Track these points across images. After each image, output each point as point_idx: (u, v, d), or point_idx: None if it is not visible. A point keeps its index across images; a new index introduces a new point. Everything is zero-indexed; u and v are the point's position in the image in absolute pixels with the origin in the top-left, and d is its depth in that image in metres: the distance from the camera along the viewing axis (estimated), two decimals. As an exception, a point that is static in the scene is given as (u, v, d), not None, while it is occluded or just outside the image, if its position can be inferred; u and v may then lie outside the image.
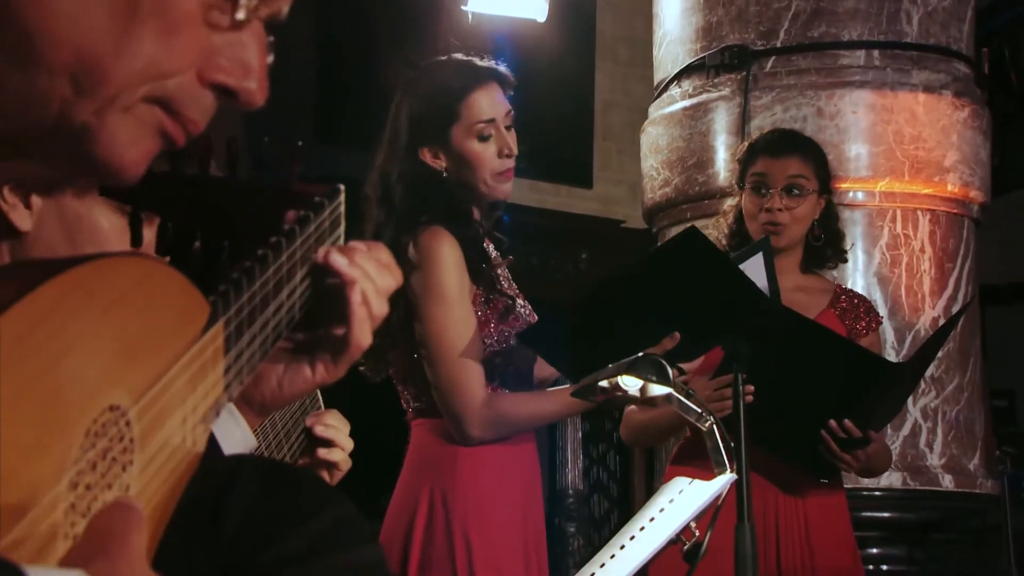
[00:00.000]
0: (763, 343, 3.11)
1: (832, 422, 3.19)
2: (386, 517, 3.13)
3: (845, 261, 3.77)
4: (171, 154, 1.27)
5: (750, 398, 3.11)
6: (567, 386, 3.08)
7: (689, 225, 3.33)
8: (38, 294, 0.80)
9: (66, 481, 0.84)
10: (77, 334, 0.85)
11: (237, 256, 1.27)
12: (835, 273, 4.77)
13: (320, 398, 2.33)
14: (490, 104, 3.12)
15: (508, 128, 3.15)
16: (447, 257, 3.00)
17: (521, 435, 3.13)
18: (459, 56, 3.22)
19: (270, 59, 0.99)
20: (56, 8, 0.87)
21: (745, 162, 3.58)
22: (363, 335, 1.31)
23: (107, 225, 1.57)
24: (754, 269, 3.15)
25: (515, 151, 3.14)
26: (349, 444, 2.19)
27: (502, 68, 3.21)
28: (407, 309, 3.05)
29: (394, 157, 3.13)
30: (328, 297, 1.30)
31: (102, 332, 0.88)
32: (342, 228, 1.36)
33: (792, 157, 3.53)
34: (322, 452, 2.14)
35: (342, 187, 1.37)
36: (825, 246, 3.60)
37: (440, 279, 3.01)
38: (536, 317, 3.18)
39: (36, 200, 1.58)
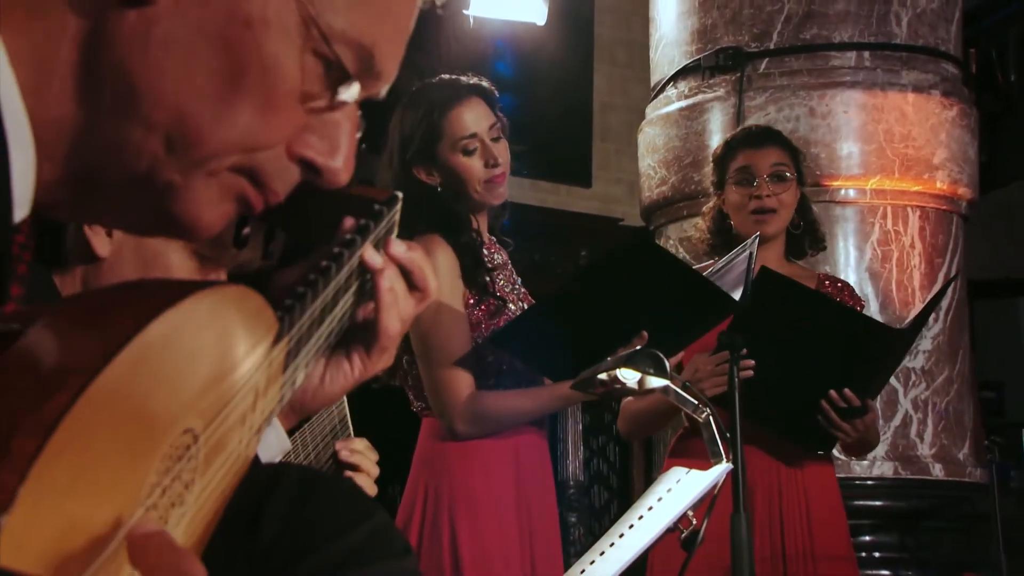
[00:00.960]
0: (761, 318, 3.12)
1: (833, 392, 3.20)
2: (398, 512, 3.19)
3: (823, 249, 3.77)
4: None
5: (750, 372, 3.13)
6: (550, 384, 3.13)
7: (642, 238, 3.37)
8: (139, 340, 0.79)
9: (142, 509, 0.83)
10: (169, 373, 0.84)
11: (291, 251, 1.24)
12: (828, 268, 4.79)
13: (350, 425, 2.35)
14: (473, 119, 3.18)
15: (496, 140, 3.22)
16: (440, 263, 3.06)
17: (522, 429, 3.14)
18: (445, 76, 3.29)
19: (359, 134, 0.99)
20: (163, 68, 0.87)
21: (724, 159, 3.60)
22: (391, 321, 1.27)
23: (178, 265, 1.57)
24: (739, 267, 3.15)
25: (501, 160, 3.21)
26: (375, 471, 2.21)
27: (485, 83, 3.27)
28: None
29: (392, 176, 3.21)
30: (367, 296, 1.26)
31: (190, 369, 0.86)
32: (394, 235, 1.32)
33: (773, 147, 3.57)
34: (348, 476, 2.16)
35: (400, 195, 1.33)
36: (804, 235, 3.61)
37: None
38: None
39: (118, 231, 1.58)
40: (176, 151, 0.89)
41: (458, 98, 3.20)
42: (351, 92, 0.94)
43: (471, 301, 3.15)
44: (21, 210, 0.89)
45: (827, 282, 3.64)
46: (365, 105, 1.00)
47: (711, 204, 3.67)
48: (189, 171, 0.90)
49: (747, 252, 3.16)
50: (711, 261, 3.60)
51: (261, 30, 0.88)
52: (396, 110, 3.27)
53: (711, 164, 3.70)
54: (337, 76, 0.93)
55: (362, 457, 2.19)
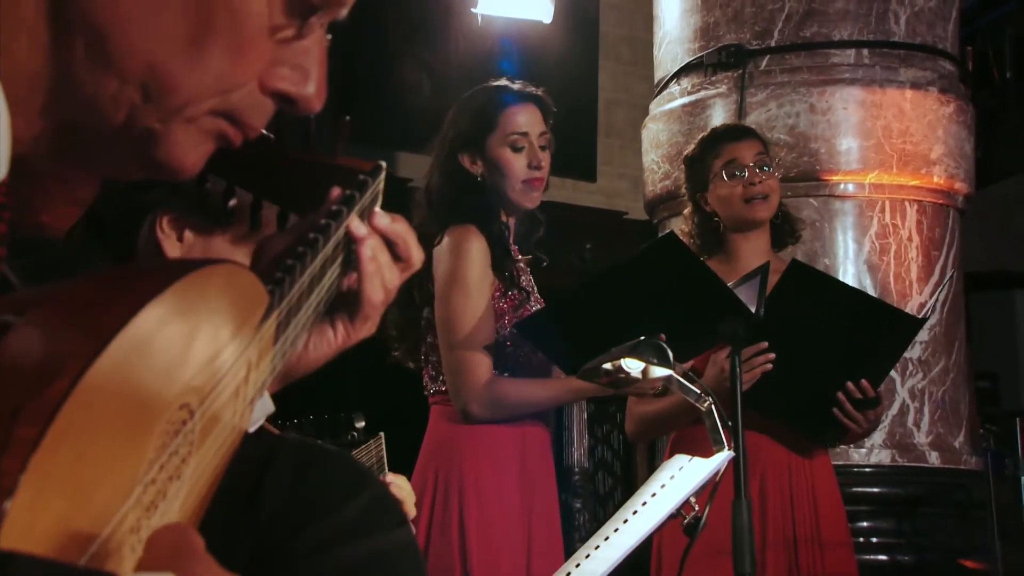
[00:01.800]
0: (776, 310, 3.10)
1: (851, 384, 3.18)
2: None
3: (797, 241, 3.75)
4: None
5: (770, 367, 3.13)
6: (565, 377, 3.13)
7: (668, 231, 3.34)
8: (135, 324, 0.79)
9: (142, 484, 0.83)
10: (165, 354, 0.84)
11: (283, 221, 1.23)
12: (827, 261, 4.79)
13: (386, 462, 2.35)
14: (527, 120, 3.27)
15: (543, 148, 3.29)
16: (474, 251, 3.11)
17: (527, 419, 3.15)
18: (508, 81, 3.38)
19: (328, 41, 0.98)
20: (132, 17, 0.86)
21: (704, 158, 3.56)
22: (374, 290, 1.25)
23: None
24: (751, 289, 3.10)
25: (545, 166, 3.28)
26: (412, 511, 2.21)
27: (544, 96, 3.37)
28: (432, 296, 3.16)
29: (436, 160, 3.29)
30: (352, 266, 1.25)
31: (187, 350, 0.87)
32: (378, 204, 1.31)
33: (753, 139, 3.58)
34: None
35: (383, 164, 1.32)
36: (783, 225, 3.60)
37: (464, 270, 3.11)
38: None
39: (189, 236, 1.58)
40: (152, 100, 0.88)
41: (517, 100, 3.29)
42: (318, 17, 0.93)
43: (497, 293, 3.17)
44: None
45: None
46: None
47: (689, 209, 3.63)
48: (167, 119, 0.89)
49: (759, 275, 3.12)
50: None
51: None
52: (452, 106, 3.36)
53: (686, 167, 3.65)
54: (301, 3, 0.91)
55: (397, 490, 2.21)
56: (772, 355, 3.15)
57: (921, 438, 4.91)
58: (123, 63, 0.87)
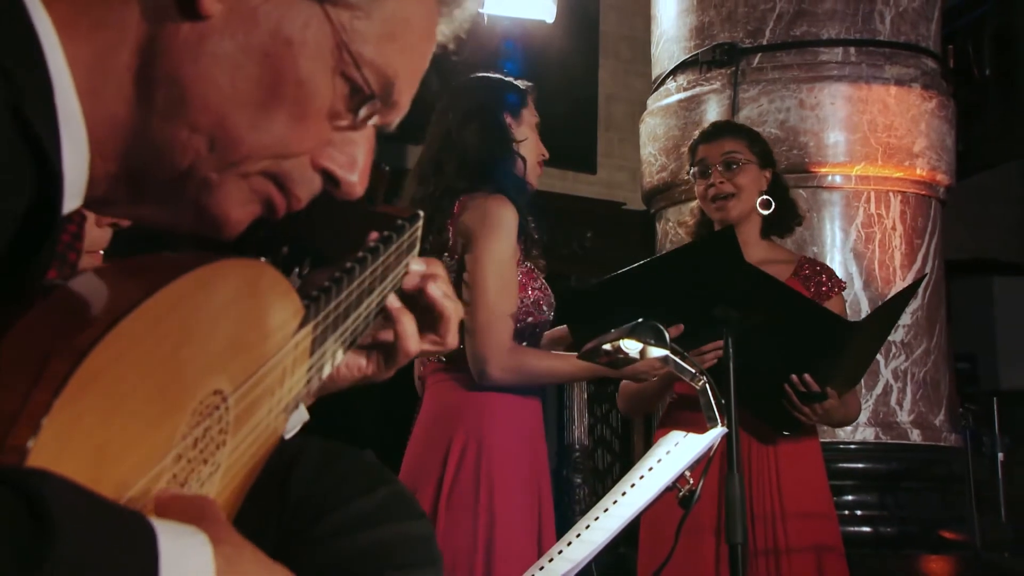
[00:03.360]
0: (745, 312, 3.10)
1: (794, 376, 3.18)
2: (409, 464, 3.11)
3: (800, 224, 3.71)
4: None
5: (714, 360, 3.10)
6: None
7: (728, 226, 3.31)
8: (168, 290, 0.81)
9: (173, 454, 0.85)
10: (196, 326, 0.86)
11: (318, 267, 1.27)
12: (815, 249, 4.79)
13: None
14: (535, 112, 3.30)
15: None
16: (509, 222, 3.05)
17: (535, 392, 3.13)
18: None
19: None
20: (211, 77, 0.90)
21: (690, 158, 3.59)
22: (409, 349, 1.33)
23: None
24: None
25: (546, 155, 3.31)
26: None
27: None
28: (458, 264, 3.08)
29: (473, 120, 3.19)
30: (386, 316, 1.32)
31: (217, 325, 0.89)
32: (417, 249, 1.36)
33: (723, 138, 3.54)
34: None
35: (422, 213, 1.38)
36: (782, 213, 3.56)
37: (500, 241, 3.04)
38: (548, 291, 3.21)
39: None
40: (216, 151, 0.92)
41: (529, 92, 3.31)
42: (371, 114, 0.97)
43: (521, 265, 3.13)
44: (73, 201, 0.90)
45: (806, 265, 3.58)
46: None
47: (697, 191, 3.64)
48: (224, 171, 0.93)
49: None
50: None
51: (299, 49, 0.91)
52: (469, 80, 3.30)
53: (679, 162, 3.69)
54: (360, 99, 0.96)
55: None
56: (720, 342, 3.10)
57: (903, 416, 4.92)
58: (196, 116, 0.90)
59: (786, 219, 3.59)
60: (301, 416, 1.30)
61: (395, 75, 0.97)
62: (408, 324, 1.32)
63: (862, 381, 3.65)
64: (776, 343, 3.16)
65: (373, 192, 1.43)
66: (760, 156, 3.54)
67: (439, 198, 3.11)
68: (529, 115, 3.27)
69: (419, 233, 1.37)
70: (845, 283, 3.63)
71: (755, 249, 3.47)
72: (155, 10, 0.89)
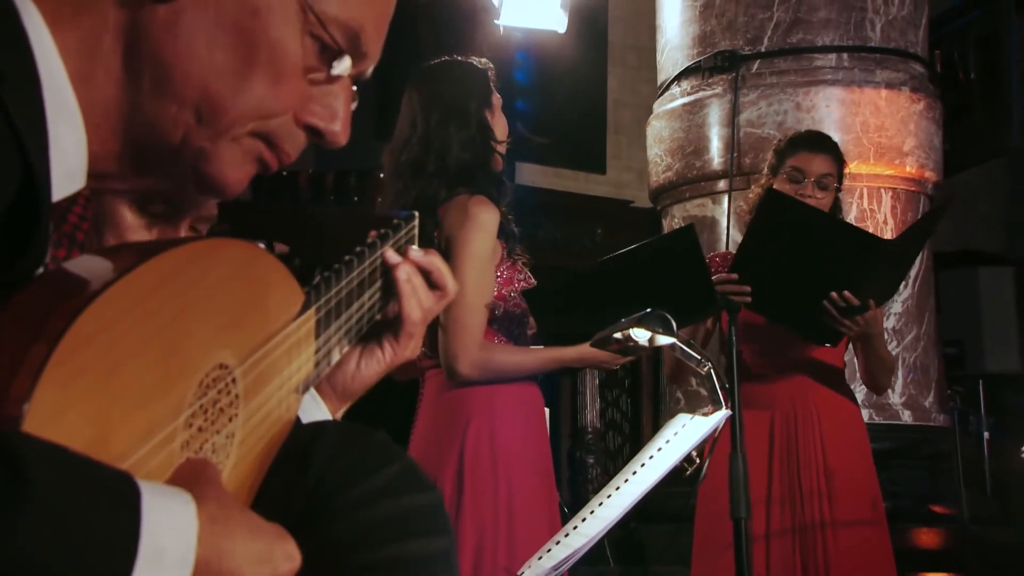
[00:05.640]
0: (770, 234, 3.11)
1: (834, 293, 3.16)
2: (418, 458, 3.01)
3: None
4: (288, 185, 1.25)
5: (749, 299, 3.12)
6: (547, 348, 3.01)
7: (689, 223, 3.30)
8: (160, 260, 0.81)
9: (183, 418, 0.84)
10: (194, 299, 0.85)
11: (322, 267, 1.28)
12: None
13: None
14: (497, 92, 3.08)
15: None
16: (489, 224, 2.91)
17: (533, 381, 3.06)
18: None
19: (354, 106, 1.03)
20: (190, 52, 0.90)
21: (783, 153, 3.48)
22: (412, 309, 1.31)
23: (131, 222, 1.53)
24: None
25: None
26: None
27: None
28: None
29: (450, 117, 2.98)
30: (391, 294, 1.31)
31: (215, 300, 0.89)
32: (414, 246, 1.36)
33: (825, 154, 3.45)
34: None
35: (416, 213, 1.39)
36: None
37: (479, 243, 2.91)
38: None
39: None
40: (204, 121, 0.92)
41: (489, 73, 3.08)
42: (343, 66, 0.98)
43: (505, 262, 3.01)
44: (75, 182, 0.90)
45: None
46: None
47: (763, 182, 3.54)
48: (216, 138, 0.93)
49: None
50: (724, 251, 3.60)
51: (267, 16, 0.92)
52: (439, 68, 3.07)
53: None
54: (331, 53, 0.97)
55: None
56: (747, 287, 3.12)
57: (895, 399, 4.91)
58: (181, 91, 0.91)
59: None
60: (324, 415, 1.30)
61: (360, 27, 0.98)
62: (404, 275, 1.29)
63: (855, 363, 3.62)
64: (814, 262, 3.15)
65: (371, 197, 1.44)
66: (841, 179, 3.49)
67: (422, 208, 2.88)
68: (496, 100, 3.05)
69: (415, 232, 1.37)
70: None
71: None
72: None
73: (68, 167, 0.88)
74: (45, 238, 0.85)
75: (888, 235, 4.94)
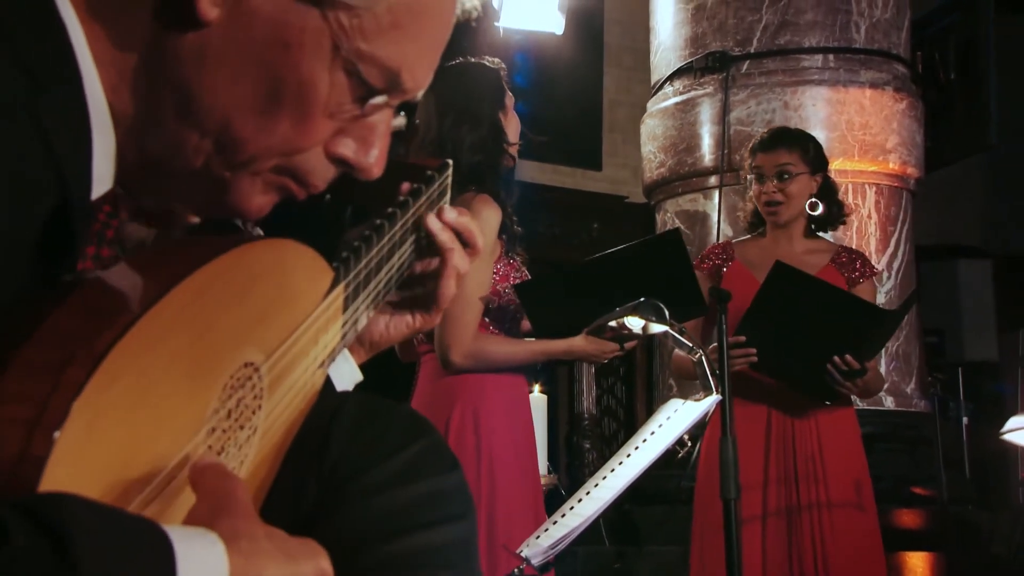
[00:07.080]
0: (776, 302, 3.17)
1: (837, 358, 3.19)
2: None
3: (845, 222, 3.65)
4: None
5: (755, 359, 3.20)
6: (536, 340, 3.00)
7: (675, 228, 3.31)
8: (185, 285, 0.77)
9: (204, 430, 0.82)
10: (226, 305, 0.82)
11: (359, 217, 1.20)
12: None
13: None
14: (510, 92, 3.07)
15: None
16: (491, 222, 2.89)
17: (515, 372, 3.02)
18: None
19: (400, 122, 0.97)
20: (214, 83, 0.86)
21: (750, 160, 3.51)
22: (449, 288, 1.24)
23: None
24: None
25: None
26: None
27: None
28: None
29: (464, 118, 2.97)
30: (424, 254, 1.23)
31: (245, 302, 0.85)
32: (447, 198, 1.27)
33: (779, 149, 3.46)
34: None
35: (451, 162, 1.29)
36: (830, 212, 3.51)
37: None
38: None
39: None
40: (224, 152, 0.88)
41: (502, 74, 3.07)
42: (378, 102, 0.91)
43: (503, 258, 3.00)
44: (104, 185, 0.87)
45: (843, 253, 3.54)
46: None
47: (749, 195, 3.56)
48: (236, 170, 0.89)
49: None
50: (719, 242, 3.61)
51: (297, 52, 0.86)
52: (457, 69, 3.03)
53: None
54: (365, 92, 0.90)
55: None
56: (752, 350, 3.20)
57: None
58: (203, 119, 0.86)
59: (834, 217, 3.54)
60: (354, 377, 1.23)
61: (400, 65, 0.90)
62: (449, 243, 1.22)
63: (877, 367, 3.65)
64: (816, 328, 3.21)
65: (404, 145, 1.33)
66: (812, 163, 3.47)
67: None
68: (509, 100, 3.04)
69: (448, 182, 1.28)
70: (878, 269, 3.63)
71: (798, 242, 3.48)
72: (161, 18, 0.85)
73: (99, 172, 0.85)
74: (80, 246, 0.82)
75: (872, 229, 4.95)
